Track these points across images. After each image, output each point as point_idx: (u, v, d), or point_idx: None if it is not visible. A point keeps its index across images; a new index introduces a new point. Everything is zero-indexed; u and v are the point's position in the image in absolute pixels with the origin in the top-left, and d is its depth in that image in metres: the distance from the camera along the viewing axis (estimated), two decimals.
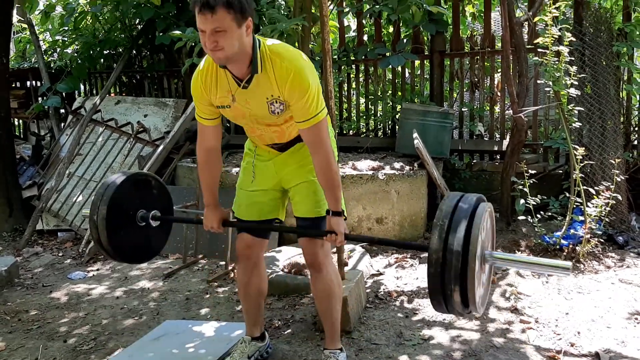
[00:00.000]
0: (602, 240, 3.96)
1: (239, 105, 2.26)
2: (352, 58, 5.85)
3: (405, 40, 5.61)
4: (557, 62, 3.82)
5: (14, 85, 7.37)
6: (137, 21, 6.70)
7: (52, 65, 7.20)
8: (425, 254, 4.28)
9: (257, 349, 2.66)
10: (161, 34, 5.76)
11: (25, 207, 5.51)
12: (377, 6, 5.03)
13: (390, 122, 5.95)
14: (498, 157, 5.44)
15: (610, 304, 3.19)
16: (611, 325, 2.94)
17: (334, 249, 3.38)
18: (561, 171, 5.06)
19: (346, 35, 6.11)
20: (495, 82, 5.51)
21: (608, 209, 3.81)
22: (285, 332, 3.02)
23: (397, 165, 4.80)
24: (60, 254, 4.78)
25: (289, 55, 2.14)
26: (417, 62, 5.73)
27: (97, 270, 4.32)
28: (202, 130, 2.42)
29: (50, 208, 5.31)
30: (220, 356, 2.71)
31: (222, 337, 2.93)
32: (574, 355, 2.67)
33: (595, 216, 3.77)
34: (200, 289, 3.76)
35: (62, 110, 6.77)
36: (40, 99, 6.94)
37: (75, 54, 6.75)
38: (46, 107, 6.56)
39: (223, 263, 4.16)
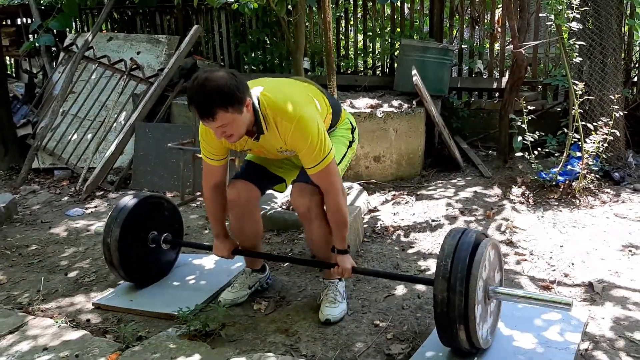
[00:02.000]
0: (598, 176, 3.98)
1: (255, 148, 2.38)
2: None
3: None
4: None
5: (4, 22, 7.18)
6: None
7: (41, 2, 6.99)
8: (422, 192, 4.31)
9: (257, 280, 2.70)
10: None
11: (20, 146, 5.48)
12: None
13: (388, 60, 5.85)
14: (497, 96, 5.40)
15: (605, 237, 3.23)
16: (605, 257, 2.99)
17: None
18: (559, 109, 5.03)
19: None
20: (496, 18, 5.40)
21: (605, 145, 3.80)
22: (284, 265, 3.06)
23: (395, 103, 4.76)
24: (57, 192, 4.78)
25: (288, 111, 2.17)
26: None
27: (95, 207, 4.33)
28: (208, 171, 2.44)
29: (46, 146, 5.28)
30: (222, 287, 2.75)
31: (222, 269, 2.97)
32: (568, 285, 2.72)
33: (592, 152, 3.77)
34: (199, 225, 3.78)
35: (54, 48, 6.62)
36: (31, 36, 6.77)
37: None
38: (38, 44, 6.41)
39: None
